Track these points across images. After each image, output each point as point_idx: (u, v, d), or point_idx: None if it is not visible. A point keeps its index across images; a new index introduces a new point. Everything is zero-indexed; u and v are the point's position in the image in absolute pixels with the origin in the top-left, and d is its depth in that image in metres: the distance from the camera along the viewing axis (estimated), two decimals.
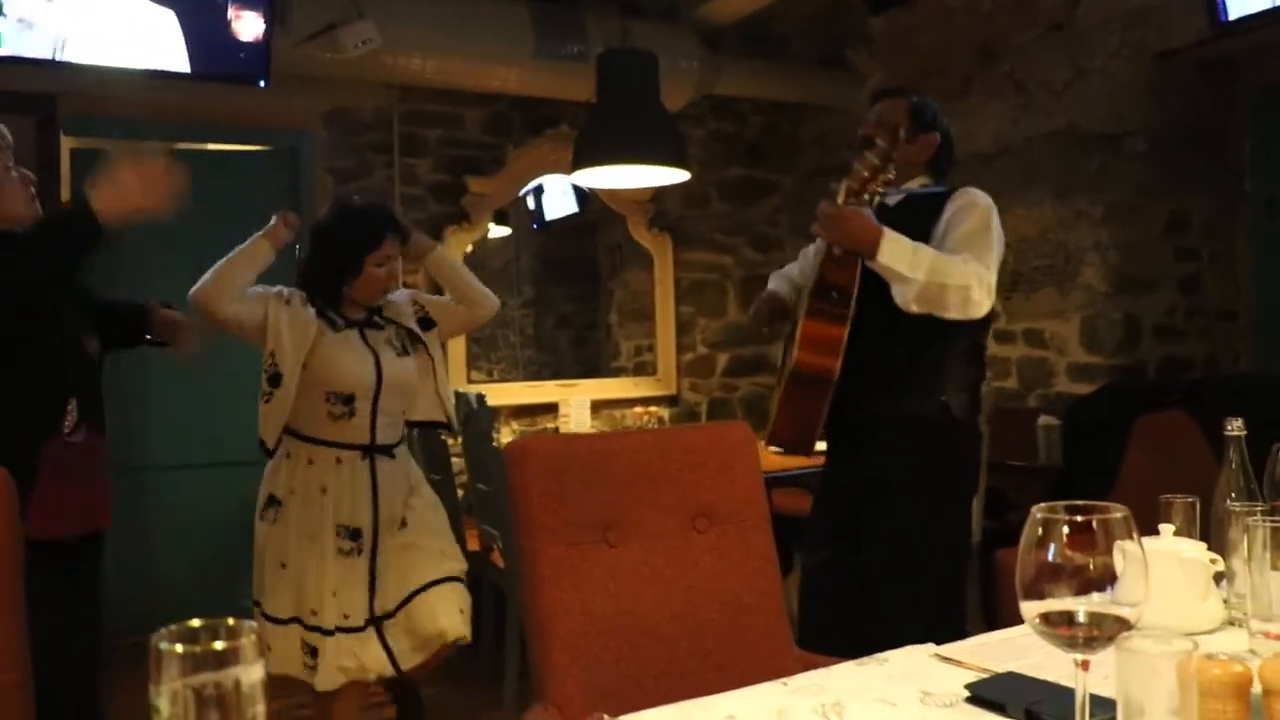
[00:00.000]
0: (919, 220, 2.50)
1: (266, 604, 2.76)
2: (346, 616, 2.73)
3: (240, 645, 0.76)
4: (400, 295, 3.01)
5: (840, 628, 2.46)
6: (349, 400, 2.76)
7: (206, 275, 2.71)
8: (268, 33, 4.03)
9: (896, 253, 2.34)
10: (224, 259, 2.74)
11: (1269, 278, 4.64)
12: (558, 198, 6.00)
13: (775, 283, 2.91)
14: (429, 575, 2.82)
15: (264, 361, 2.76)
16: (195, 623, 0.78)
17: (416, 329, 2.96)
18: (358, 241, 2.80)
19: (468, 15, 4.62)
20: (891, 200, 2.58)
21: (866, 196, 2.44)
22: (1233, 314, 4.76)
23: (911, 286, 2.34)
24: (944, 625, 2.28)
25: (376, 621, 2.77)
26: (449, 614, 2.80)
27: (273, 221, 2.81)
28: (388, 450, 2.85)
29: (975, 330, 2.53)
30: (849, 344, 2.42)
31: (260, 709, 0.77)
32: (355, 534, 2.75)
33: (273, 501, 2.80)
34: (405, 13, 4.42)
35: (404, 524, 2.85)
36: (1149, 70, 4.47)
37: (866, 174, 2.40)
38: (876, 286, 2.41)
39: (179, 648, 0.74)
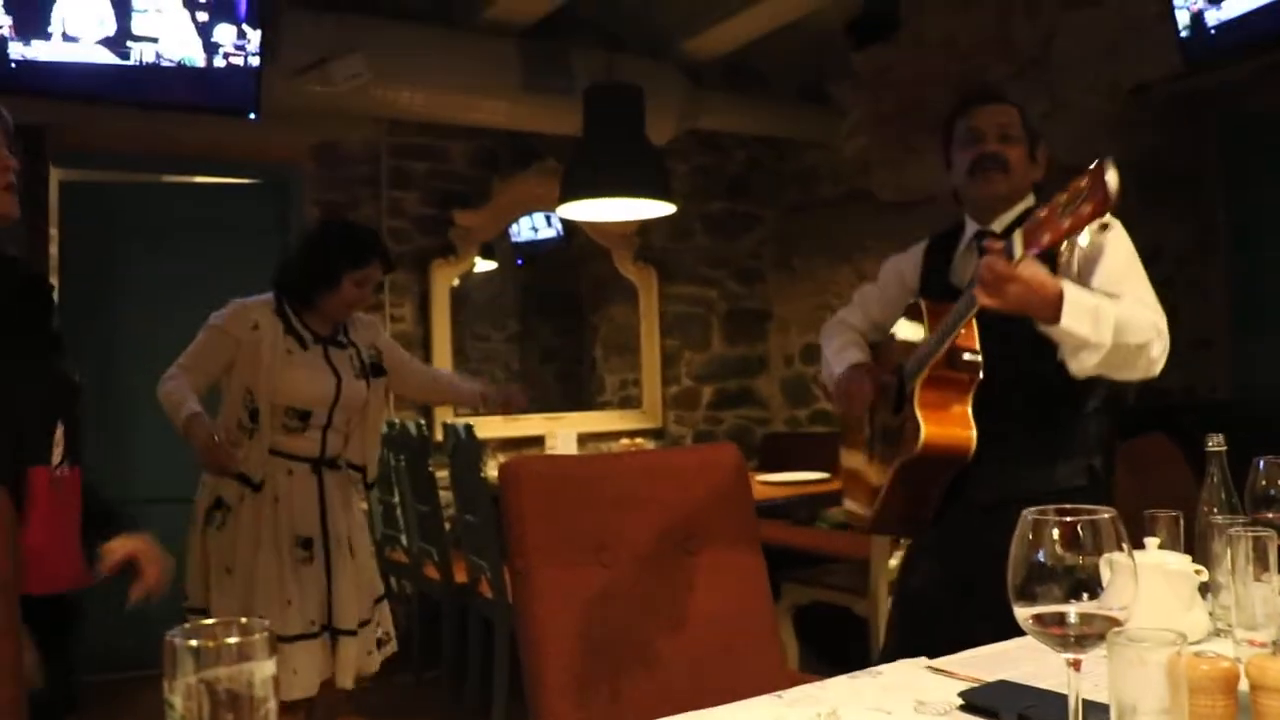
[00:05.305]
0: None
1: (213, 609, 2.75)
2: (313, 623, 2.81)
3: (254, 641, 0.77)
4: (366, 320, 3.08)
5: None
6: (305, 416, 2.84)
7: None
8: (259, 66, 4.06)
9: (1080, 315, 1.84)
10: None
11: (1243, 307, 4.70)
12: (535, 232, 6.04)
13: (844, 338, 2.40)
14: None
15: (241, 396, 2.80)
16: (208, 621, 0.80)
17: (368, 363, 3.03)
18: (343, 256, 2.86)
19: (455, 49, 4.67)
20: (999, 226, 2.18)
21: (1059, 250, 1.93)
22: (1209, 343, 4.82)
23: (1095, 352, 1.86)
24: None
25: (333, 632, 2.84)
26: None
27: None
28: (334, 463, 2.92)
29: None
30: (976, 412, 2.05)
31: (272, 706, 0.79)
32: (307, 543, 2.83)
33: (220, 504, 2.80)
34: (394, 46, 4.47)
35: (351, 546, 2.93)
36: (1123, 104, 4.55)
37: (1067, 224, 1.68)
38: (1010, 338, 1.99)
39: (193, 642, 0.76)
